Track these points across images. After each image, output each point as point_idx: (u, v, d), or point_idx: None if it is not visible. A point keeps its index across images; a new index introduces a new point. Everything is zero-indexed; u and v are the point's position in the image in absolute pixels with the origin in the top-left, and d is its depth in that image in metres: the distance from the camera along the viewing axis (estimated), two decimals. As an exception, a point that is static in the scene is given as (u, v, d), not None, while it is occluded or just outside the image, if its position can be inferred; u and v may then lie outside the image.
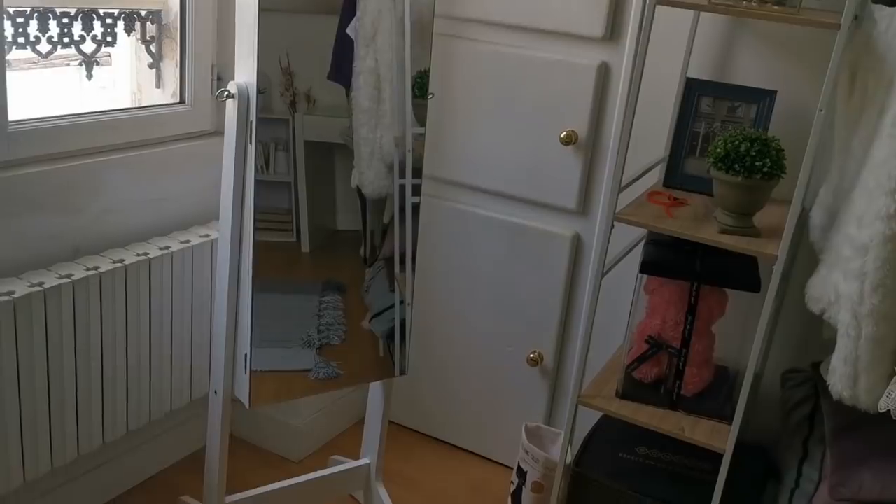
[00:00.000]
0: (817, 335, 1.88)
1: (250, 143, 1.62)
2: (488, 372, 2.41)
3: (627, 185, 1.76)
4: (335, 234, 2.04)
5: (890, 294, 1.39)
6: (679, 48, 1.93)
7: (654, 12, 1.57)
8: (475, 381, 2.43)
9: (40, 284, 1.66)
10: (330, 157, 1.93)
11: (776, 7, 1.57)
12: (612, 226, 1.70)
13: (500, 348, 2.37)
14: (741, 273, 1.71)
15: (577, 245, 2.22)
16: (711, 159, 1.62)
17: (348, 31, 1.99)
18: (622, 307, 2.14)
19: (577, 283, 2.25)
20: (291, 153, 1.84)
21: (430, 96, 1.91)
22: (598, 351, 2.06)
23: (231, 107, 1.61)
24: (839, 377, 1.47)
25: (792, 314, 1.97)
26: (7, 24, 1.79)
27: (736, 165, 1.57)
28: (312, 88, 1.84)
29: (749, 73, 1.92)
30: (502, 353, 2.37)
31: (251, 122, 1.61)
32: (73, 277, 1.72)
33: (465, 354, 2.43)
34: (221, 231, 1.71)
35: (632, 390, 1.84)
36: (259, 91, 1.64)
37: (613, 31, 2.04)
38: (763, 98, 1.83)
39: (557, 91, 2.12)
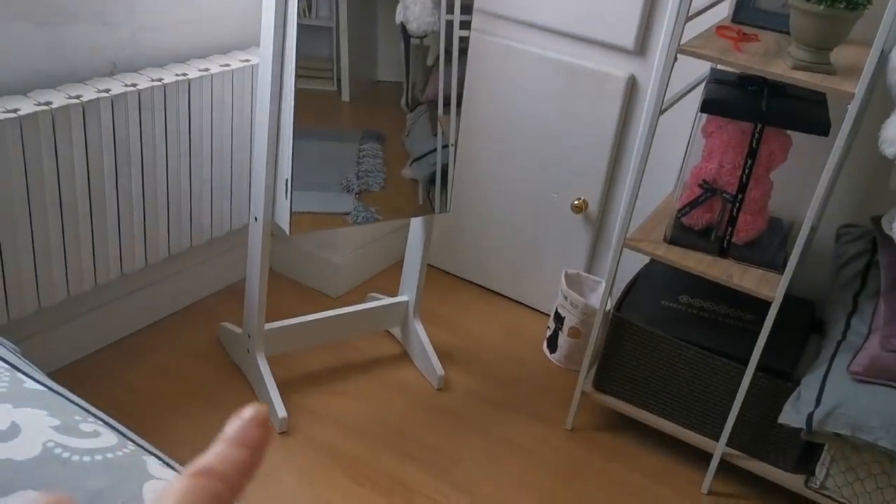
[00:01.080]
0: (877, 190, 1.80)
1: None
2: (531, 218, 2.36)
3: (694, 16, 1.64)
4: (376, 84, 1.97)
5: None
6: None
7: None
8: (517, 227, 2.39)
9: (78, 97, 1.62)
10: (373, 2, 1.83)
11: None
12: (676, 58, 1.59)
13: (544, 194, 2.31)
14: (810, 115, 1.62)
15: (633, 88, 2.11)
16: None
17: None
18: (672, 157, 2.06)
19: (628, 128, 2.16)
20: None
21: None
22: (645, 200, 2.00)
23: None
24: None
25: (856, 166, 1.88)
26: None
27: (818, -7, 1.44)
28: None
29: None
30: (546, 200, 2.31)
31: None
32: (112, 92, 1.67)
33: (508, 200, 2.38)
34: (263, 49, 1.63)
35: (681, 236, 1.79)
36: None
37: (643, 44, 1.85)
38: (852, -75, 1.67)
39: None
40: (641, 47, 2.06)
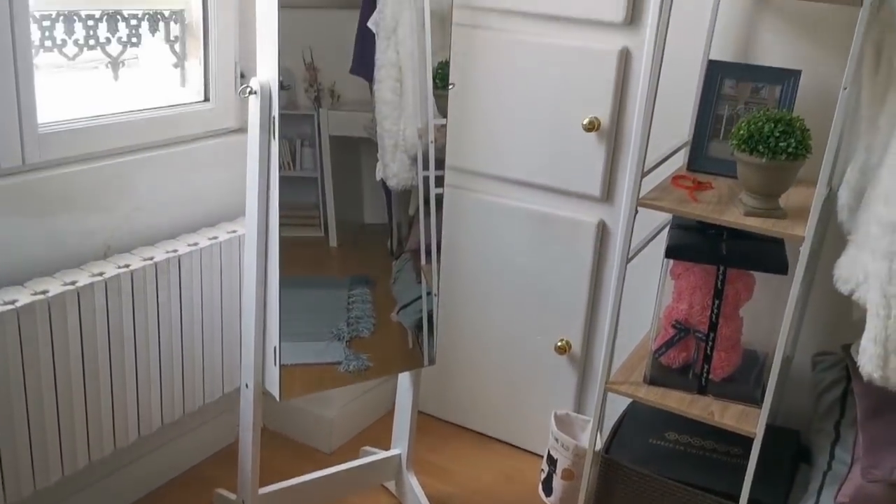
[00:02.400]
0: (847, 317, 1.86)
1: (273, 138, 1.64)
2: (517, 361, 2.41)
3: (651, 170, 1.76)
4: (362, 227, 2.05)
5: (919, 272, 1.37)
6: (701, 30, 1.92)
7: (671, -4, 1.56)
8: (503, 370, 2.44)
9: (73, 283, 1.70)
10: (355, 151, 1.95)
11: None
12: (636, 211, 1.70)
13: (528, 337, 2.37)
14: (768, 256, 1.70)
15: (603, 232, 2.21)
16: (735, 141, 1.61)
17: (369, 24, 2.00)
18: (649, 292, 2.14)
19: (603, 270, 2.25)
20: (317, 148, 1.85)
21: (451, 86, 1.91)
22: (627, 337, 2.07)
23: (254, 103, 1.63)
24: (869, 358, 1.45)
25: (821, 296, 1.95)
26: (33, 28, 1.82)
27: (760, 147, 1.56)
28: (336, 83, 1.86)
29: (772, 53, 1.90)
30: (530, 342, 2.37)
31: (274, 118, 1.62)
32: (105, 275, 1.75)
33: (493, 344, 2.44)
34: (247, 227, 1.73)
35: (660, 376, 1.84)
36: (283, 87, 1.66)
37: (634, 15, 2.03)
38: (787, 78, 1.81)
39: (579, 78, 2.12)
40: (608, 195, 2.18)
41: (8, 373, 1.59)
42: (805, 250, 1.53)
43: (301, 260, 1.87)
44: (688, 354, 1.84)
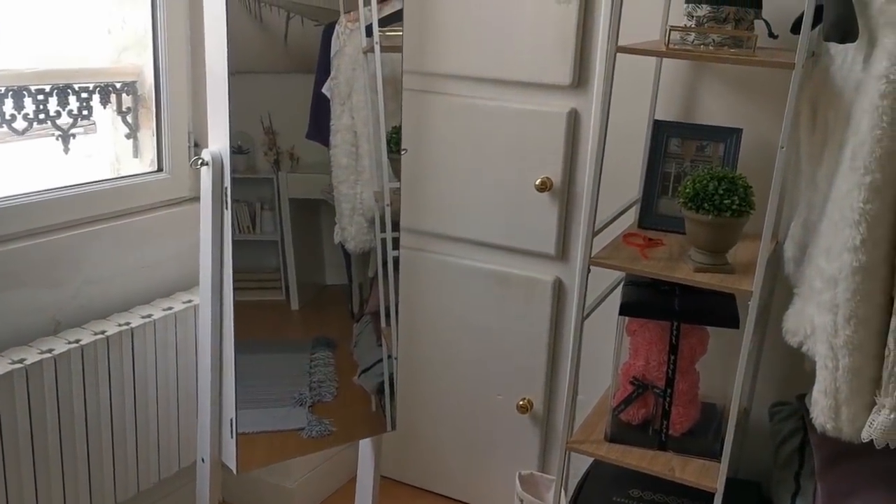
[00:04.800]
0: (801, 366, 1.89)
1: (226, 208, 1.64)
2: (479, 421, 2.40)
3: (602, 229, 1.78)
4: (324, 289, 2.05)
5: (862, 324, 1.40)
6: (645, 91, 1.97)
7: (615, 59, 1.60)
8: (466, 431, 2.42)
9: (21, 361, 1.66)
10: (316, 213, 1.95)
11: (732, 50, 1.62)
12: (589, 270, 1.72)
13: (489, 397, 2.37)
14: (720, 310, 1.73)
15: (559, 289, 2.23)
16: (681, 199, 1.65)
17: (324, 90, 2.03)
18: (608, 348, 2.14)
19: (561, 327, 2.26)
20: (277, 212, 1.86)
21: (403, 152, 1.94)
22: (588, 393, 2.07)
23: (205, 174, 1.64)
24: (821, 409, 1.47)
25: (775, 347, 1.98)
26: (-19, 105, 1.82)
27: (705, 205, 1.60)
28: (295, 146, 1.87)
29: (715, 112, 1.96)
30: (492, 402, 2.36)
31: (226, 189, 1.63)
32: (55, 352, 1.72)
33: (455, 405, 2.42)
34: (201, 297, 1.72)
35: (620, 433, 1.84)
36: (242, 151, 1.66)
37: (581, 78, 2.08)
38: (730, 136, 1.87)
39: (530, 139, 2.15)
40: (563, 253, 2.20)
41: (-48, 457, 1.55)
42: (753, 304, 1.56)
43: (262, 324, 1.85)
44: (647, 410, 1.84)
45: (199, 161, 1.62)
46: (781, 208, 1.85)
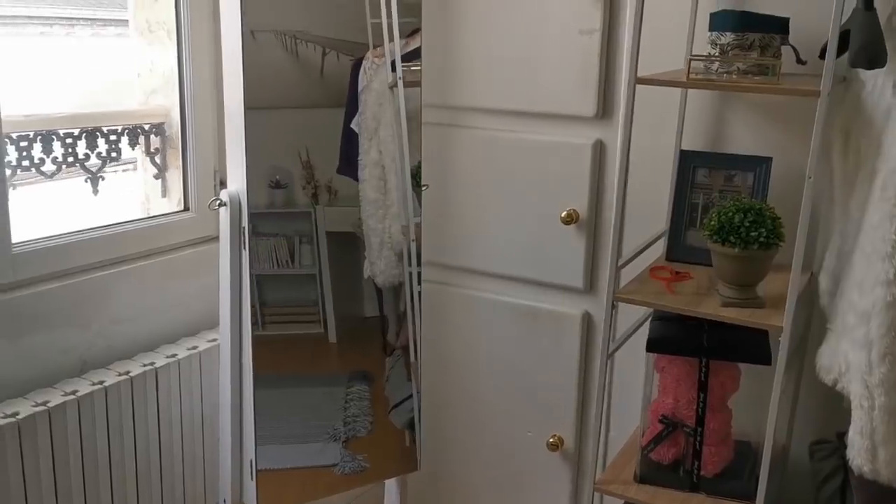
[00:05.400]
0: (841, 403, 1.81)
1: (244, 248, 1.64)
2: (509, 459, 2.35)
3: (628, 262, 1.74)
4: (362, 321, 2.04)
5: (899, 361, 1.34)
6: (672, 120, 1.93)
7: (634, 91, 1.57)
8: (496, 469, 2.37)
9: (45, 403, 1.67)
10: (354, 245, 1.96)
11: (757, 78, 1.57)
12: (615, 306, 1.67)
13: (518, 434, 2.32)
14: (751, 345, 1.66)
15: (588, 323, 2.18)
16: (707, 232, 1.60)
17: (352, 125, 2.03)
18: (639, 383, 2.09)
19: (591, 361, 2.21)
20: (315, 245, 1.86)
21: (424, 187, 1.92)
22: (621, 430, 2.02)
23: (224, 215, 1.64)
24: (857, 451, 1.40)
25: (813, 382, 1.89)
26: (11, 149, 1.85)
27: (731, 237, 1.55)
28: (333, 180, 1.89)
29: (744, 141, 1.90)
30: (522, 439, 2.31)
31: (244, 228, 1.63)
32: (78, 394, 1.73)
33: (484, 442, 2.38)
34: (221, 336, 1.72)
35: (650, 473, 1.78)
36: (280, 186, 1.68)
37: (605, 108, 2.05)
38: (759, 165, 1.81)
39: (555, 171, 2.12)
40: (591, 286, 2.16)
41: (-25, 500, 1.56)
42: (784, 340, 1.50)
43: (299, 357, 1.85)
44: (678, 450, 1.78)
45: (217, 202, 1.63)
46: (815, 239, 1.79)
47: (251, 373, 1.68)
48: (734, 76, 1.59)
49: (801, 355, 1.88)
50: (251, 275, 1.72)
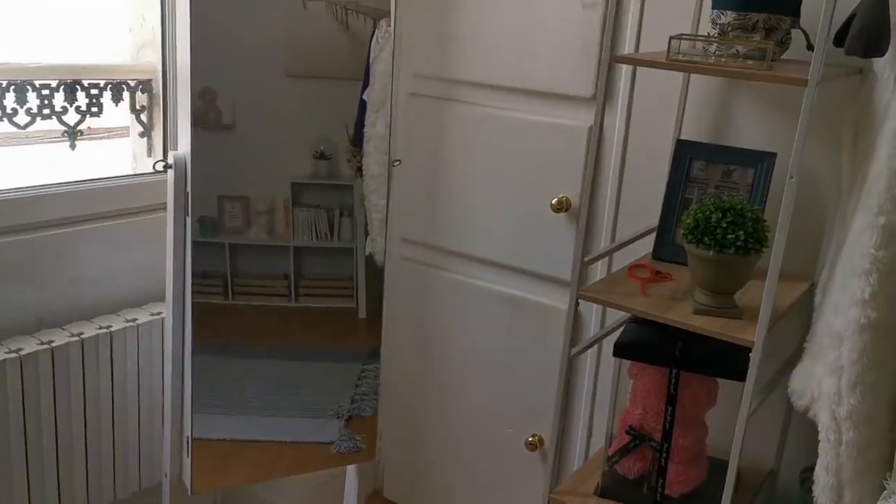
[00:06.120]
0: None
1: (187, 214, 1.55)
2: (487, 455, 2.23)
3: (598, 258, 1.62)
4: None
5: (871, 392, 1.17)
6: (674, 107, 1.77)
7: (608, 70, 1.43)
8: (474, 463, 2.26)
9: None
10: None
11: (750, 62, 1.41)
12: (577, 303, 1.54)
13: (498, 429, 2.20)
14: (728, 359, 1.50)
15: (576, 318, 2.04)
16: (683, 231, 1.45)
17: (364, 95, 1.94)
18: (629, 386, 1.96)
19: (577, 359, 2.07)
20: (354, 219, 1.79)
21: (395, 164, 1.81)
22: (601, 436, 1.88)
23: (169, 178, 1.55)
24: (822, 489, 1.25)
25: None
26: (-20, 98, 1.81)
27: (706, 238, 1.39)
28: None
29: (749, 134, 1.73)
30: (501, 435, 2.20)
31: (188, 194, 1.54)
32: (22, 352, 1.68)
33: (464, 434, 2.27)
34: (166, 305, 1.64)
35: (613, 487, 1.65)
36: (325, 157, 1.67)
37: (606, 91, 1.89)
38: (761, 161, 1.64)
39: (549, 155, 1.98)
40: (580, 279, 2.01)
41: None
42: (755, 356, 1.35)
43: (326, 331, 1.79)
44: (644, 464, 1.64)
45: (163, 164, 1.54)
46: (819, 246, 1.61)
47: (191, 344, 1.60)
48: (727, 60, 1.42)
49: (779, 375, 1.71)
50: (227, 243, 1.66)
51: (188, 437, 1.63)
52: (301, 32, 1.69)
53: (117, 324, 1.86)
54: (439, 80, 2.12)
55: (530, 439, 2.14)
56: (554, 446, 1.63)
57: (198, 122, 1.54)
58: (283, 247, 1.74)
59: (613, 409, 1.71)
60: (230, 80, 1.62)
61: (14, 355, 1.67)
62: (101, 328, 1.83)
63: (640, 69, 1.83)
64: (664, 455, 1.58)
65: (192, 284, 1.60)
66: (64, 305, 1.87)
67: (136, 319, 1.89)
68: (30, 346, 1.71)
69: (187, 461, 1.64)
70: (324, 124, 1.71)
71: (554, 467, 1.64)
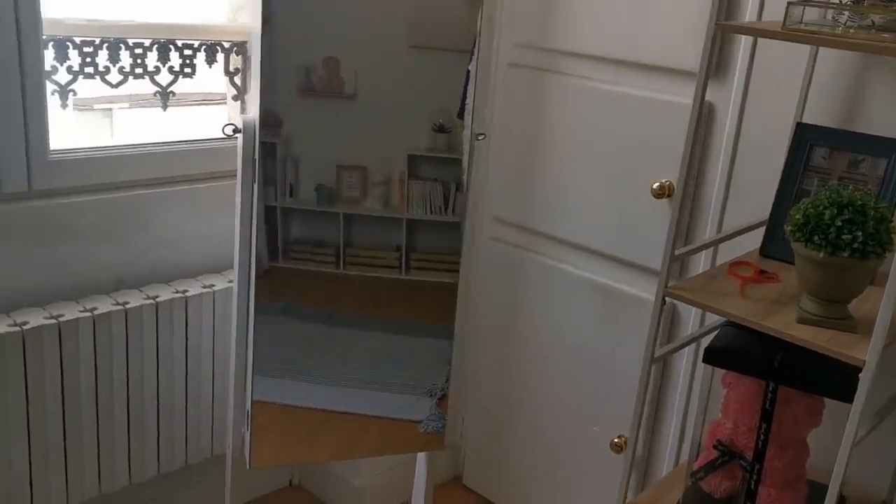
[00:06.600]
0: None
1: (255, 181, 1.49)
2: (570, 452, 2.10)
3: (692, 251, 1.44)
4: None
5: None
6: (796, 87, 1.57)
7: (713, 40, 1.25)
8: (556, 459, 2.14)
9: (58, 317, 1.63)
10: None
11: (886, 35, 1.20)
12: (664, 301, 1.38)
13: (583, 426, 2.06)
14: (834, 375, 1.31)
15: (673, 315, 1.87)
16: (790, 227, 1.26)
17: (469, 67, 1.85)
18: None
19: (672, 357, 1.90)
20: (466, 193, 1.76)
21: (480, 137, 1.68)
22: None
23: (238, 143, 1.49)
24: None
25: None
26: (73, 54, 1.80)
27: (816, 237, 1.21)
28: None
29: (883, 120, 1.51)
30: (586, 433, 2.06)
31: (255, 160, 1.47)
32: (96, 312, 1.68)
33: (547, 428, 2.14)
34: (234, 274, 1.59)
35: (695, 505, 1.49)
36: (444, 130, 1.62)
37: (720, 64, 1.71)
38: (895, 151, 1.43)
39: (653, 134, 1.81)
40: (680, 272, 1.84)
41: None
42: (866, 377, 1.16)
43: (431, 305, 1.76)
44: (733, 484, 1.47)
45: (232, 128, 1.48)
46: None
47: (253, 315, 1.55)
48: (857, 31, 1.22)
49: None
50: (342, 213, 1.62)
51: (248, 411, 1.59)
52: (426, 2, 1.64)
53: (194, 288, 1.84)
54: (541, 50, 1.98)
55: (616, 440, 1.99)
56: (630, 454, 1.48)
57: (319, 90, 1.52)
58: (397, 219, 1.69)
59: (703, 420, 1.54)
60: (354, 49, 1.57)
61: (88, 314, 1.66)
62: (177, 292, 1.81)
63: (761, 42, 1.63)
64: (755, 476, 1.41)
65: (305, 252, 1.59)
66: (143, 267, 1.86)
67: (214, 286, 1.86)
68: (105, 305, 1.70)
69: (247, 433, 1.60)
70: (443, 97, 1.66)
71: (627, 476, 1.50)
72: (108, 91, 1.88)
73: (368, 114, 1.62)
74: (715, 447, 1.47)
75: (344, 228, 1.66)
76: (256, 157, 1.47)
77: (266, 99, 1.46)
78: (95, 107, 2.13)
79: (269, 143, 1.52)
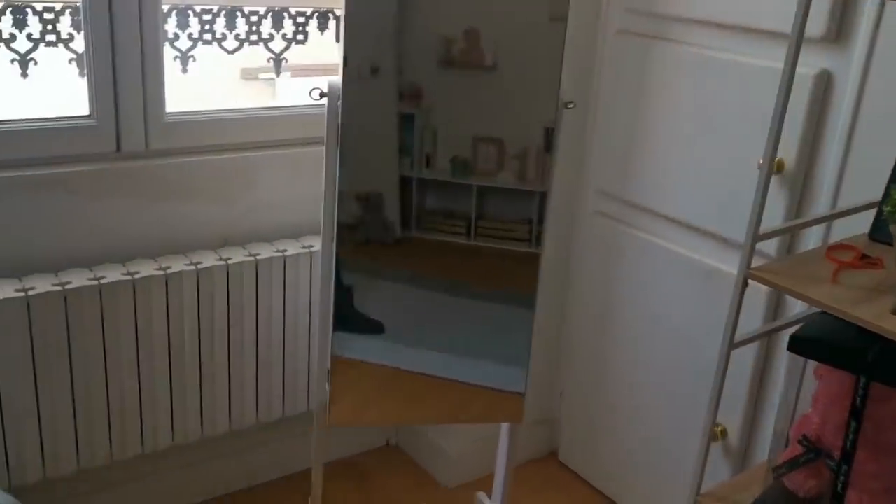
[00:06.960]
0: None
1: (337, 145, 1.51)
2: (665, 437, 2.03)
3: (775, 234, 1.34)
4: None
5: None
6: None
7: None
8: (651, 444, 2.07)
9: (166, 269, 1.73)
10: None
11: None
12: (746, 283, 1.30)
13: (681, 410, 1.98)
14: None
15: (777, 301, 1.76)
16: (888, 207, 1.15)
17: None
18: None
19: (775, 345, 1.79)
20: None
21: (570, 105, 1.63)
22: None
23: (325, 108, 1.52)
24: None
25: None
26: (194, 21, 1.90)
27: (913, 220, 1.09)
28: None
29: None
30: (683, 417, 1.98)
31: (339, 125, 1.49)
32: (200, 265, 1.77)
33: (643, 412, 2.08)
34: (321, 239, 1.62)
35: (774, 502, 1.40)
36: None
37: (840, 29, 1.56)
38: None
39: (764, 106, 1.68)
40: (788, 252, 1.72)
41: (88, 347, 1.67)
42: (960, 380, 1.04)
43: (521, 276, 1.73)
44: (818, 483, 1.37)
45: (319, 92, 1.51)
46: None
47: (333, 279, 1.58)
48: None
49: None
50: (474, 186, 1.61)
51: (328, 370, 1.63)
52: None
53: (293, 248, 1.90)
54: (652, 15, 1.89)
55: (714, 428, 1.89)
56: (703, 452, 1.41)
57: (458, 62, 1.52)
58: (530, 192, 1.67)
59: (793, 412, 1.45)
60: (495, 20, 1.55)
61: (192, 268, 1.76)
62: (277, 251, 1.88)
63: (889, 5, 1.48)
64: (842, 478, 1.31)
65: (437, 223, 1.60)
66: (247, 226, 1.94)
67: (312, 246, 1.92)
68: (209, 260, 1.80)
69: (326, 389, 1.65)
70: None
71: (699, 472, 1.42)
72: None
73: (507, 85, 1.60)
74: (800, 442, 1.37)
75: (476, 200, 1.66)
76: (340, 122, 1.49)
77: (407, 70, 1.48)
78: (260, 76, 2.22)
79: (408, 113, 1.54)
